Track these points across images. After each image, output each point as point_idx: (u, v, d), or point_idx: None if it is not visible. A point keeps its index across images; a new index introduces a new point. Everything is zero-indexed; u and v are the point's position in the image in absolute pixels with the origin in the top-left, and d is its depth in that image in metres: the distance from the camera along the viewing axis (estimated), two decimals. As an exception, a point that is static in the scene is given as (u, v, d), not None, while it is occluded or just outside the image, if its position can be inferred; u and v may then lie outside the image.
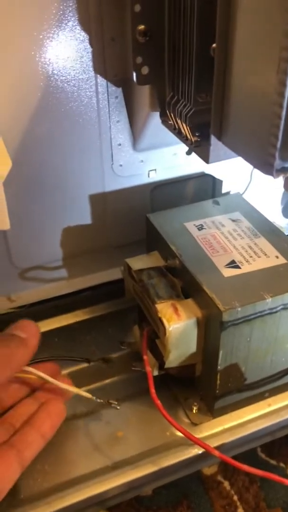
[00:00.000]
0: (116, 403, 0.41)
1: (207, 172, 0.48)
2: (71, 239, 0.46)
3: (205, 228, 0.43)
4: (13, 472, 0.32)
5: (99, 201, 0.45)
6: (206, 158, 0.32)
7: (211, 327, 0.37)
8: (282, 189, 0.54)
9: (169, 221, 0.44)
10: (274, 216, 0.55)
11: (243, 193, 0.51)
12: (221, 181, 0.49)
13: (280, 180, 0.49)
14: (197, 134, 0.32)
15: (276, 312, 0.37)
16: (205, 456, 0.38)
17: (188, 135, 0.33)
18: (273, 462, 0.46)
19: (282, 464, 0.46)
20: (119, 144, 0.42)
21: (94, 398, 0.40)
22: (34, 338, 0.35)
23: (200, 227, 0.43)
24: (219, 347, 0.37)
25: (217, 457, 0.36)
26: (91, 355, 0.46)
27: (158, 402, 0.37)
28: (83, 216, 0.45)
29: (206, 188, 0.50)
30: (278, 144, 0.26)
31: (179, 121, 0.34)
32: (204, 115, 0.31)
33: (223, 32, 0.27)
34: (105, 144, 0.42)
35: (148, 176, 0.45)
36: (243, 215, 0.45)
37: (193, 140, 0.32)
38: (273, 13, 0.23)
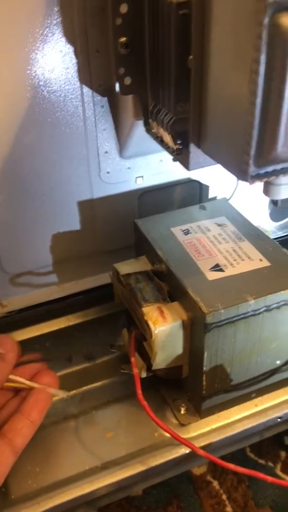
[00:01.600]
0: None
1: (193, 178, 0.49)
2: (61, 244, 0.47)
3: (191, 233, 0.44)
4: (6, 459, 0.34)
5: (87, 207, 0.46)
6: (187, 165, 0.33)
7: (196, 329, 0.38)
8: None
9: (156, 226, 0.45)
10: (262, 220, 0.56)
11: (229, 198, 0.52)
12: (207, 187, 0.50)
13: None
14: (178, 142, 0.33)
15: (259, 314, 0.38)
16: (193, 456, 0.39)
17: (170, 143, 0.34)
18: (261, 461, 0.47)
19: (270, 463, 0.47)
20: (106, 152, 0.43)
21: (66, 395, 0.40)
22: (11, 353, 0.37)
23: (186, 232, 0.44)
24: (204, 348, 0.38)
25: (202, 456, 0.36)
26: (79, 362, 0.48)
27: (145, 403, 0.38)
28: (72, 222, 0.46)
29: (193, 194, 0.51)
30: (252, 152, 0.27)
31: (161, 130, 0.35)
32: (184, 123, 0.32)
33: (198, 45, 0.28)
34: (92, 152, 0.43)
35: (136, 183, 0.47)
36: (228, 219, 0.46)
37: (174, 147, 0.33)
38: (244, 28, 0.24)
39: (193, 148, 0.32)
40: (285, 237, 0.58)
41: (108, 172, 0.45)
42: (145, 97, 0.36)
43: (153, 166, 0.46)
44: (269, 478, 0.35)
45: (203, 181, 0.50)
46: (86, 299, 0.52)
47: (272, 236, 0.57)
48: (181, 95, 0.31)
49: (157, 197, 0.49)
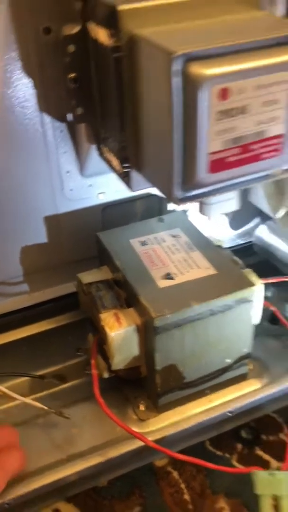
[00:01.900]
0: (68, 415, 0.45)
1: (153, 192, 0.53)
2: (30, 257, 0.51)
3: (147, 244, 0.48)
4: None
5: (53, 222, 0.50)
6: (130, 187, 0.37)
7: (147, 333, 0.42)
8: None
9: (116, 238, 0.49)
10: (222, 228, 0.60)
11: (187, 210, 0.56)
12: (166, 200, 0.54)
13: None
14: (125, 166, 0.37)
15: (204, 318, 0.42)
16: (147, 448, 0.43)
17: (117, 167, 0.38)
18: (219, 453, 0.51)
19: (227, 455, 0.51)
20: (68, 172, 0.47)
21: (46, 408, 0.45)
22: None
23: (144, 243, 0.48)
24: (155, 350, 0.42)
25: (151, 446, 0.40)
26: (52, 364, 0.52)
27: (101, 399, 0.42)
28: (39, 235, 0.50)
29: (153, 207, 0.55)
30: (176, 180, 0.31)
31: (110, 155, 0.39)
32: (128, 150, 0.36)
33: (129, 86, 0.32)
34: (55, 172, 0.47)
35: (98, 198, 0.51)
36: (183, 231, 0.50)
37: (121, 171, 0.37)
38: (161, 74, 0.28)
39: (134, 173, 0.36)
40: (244, 244, 0.62)
41: (71, 190, 0.49)
42: (96, 126, 0.40)
43: (113, 183, 0.50)
44: (209, 465, 0.39)
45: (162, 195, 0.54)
46: (58, 306, 0.56)
47: (231, 244, 0.61)
48: (123, 127, 0.35)
49: (119, 211, 0.53)
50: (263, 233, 0.58)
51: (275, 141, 0.31)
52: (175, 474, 0.49)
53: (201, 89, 0.27)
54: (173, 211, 0.55)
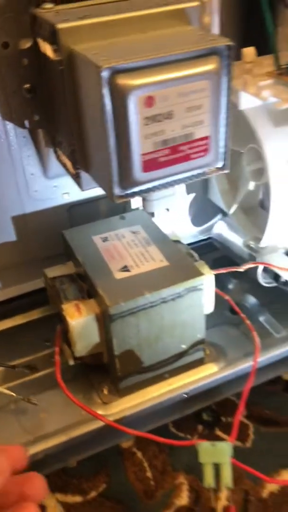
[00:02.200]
0: (36, 401, 0.49)
1: (115, 192, 0.56)
2: (0, 254, 0.54)
3: (108, 240, 0.52)
4: None
5: (20, 221, 0.53)
6: (81, 186, 0.40)
7: (105, 320, 0.46)
8: (189, 202, 0.63)
9: (80, 236, 0.53)
10: (185, 225, 0.64)
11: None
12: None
13: (186, 197, 0.59)
14: (77, 167, 0.41)
15: (156, 305, 0.45)
16: (108, 428, 0.46)
17: (70, 168, 0.42)
18: (181, 434, 0.54)
19: (188, 436, 0.54)
20: (32, 174, 0.51)
21: (15, 395, 0.48)
22: (8, 466, 0.33)
23: (105, 239, 0.52)
24: (112, 336, 0.45)
25: (107, 423, 0.44)
26: (23, 355, 0.55)
27: (62, 383, 0.46)
28: (9, 234, 0.54)
29: (117, 206, 0.58)
30: (115, 179, 0.34)
31: (64, 158, 0.42)
32: (77, 153, 0.40)
33: (71, 95, 0.35)
34: (20, 174, 0.50)
35: (63, 198, 0.54)
36: (142, 227, 0.53)
37: (73, 172, 0.41)
38: (94, 85, 0.32)
39: (83, 174, 0.39)
40: (206, 240, 0.66)
41: (36, 191, 0.52)
42: (51, 131, 0.44)
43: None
44: (160, 439, 0.42)
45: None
46: (29, 302, 0.60)
47: (193, 240, 0.65)
48: (71, 131, 0.39)
49: (85, 210, 0.57)
50: (221, 229, 0.61)
51: (202, 142, 0.35)
52: (139, 454, 0.53)
53: (128, 98, 0.31)
54: (137, 209, 0.59)
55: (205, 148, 0.35)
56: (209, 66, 0.32)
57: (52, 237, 0.55)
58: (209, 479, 0.39)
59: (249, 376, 0.48)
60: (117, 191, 0.35)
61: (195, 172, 0.36)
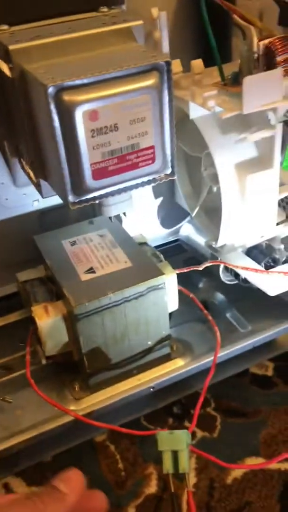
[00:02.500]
0: (11, 400, 0.52)
1: (84, 198, 0.59)
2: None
3: (76, 244, 0.54)
4: None
5: (-7, 228, 0.56)
6: (41, 194, 0.43)
7: (72, 320, 0.48)
8: (157, 206, 0.66)
9: (50, 241, 0.55)
10: (155, 227, 0.67)
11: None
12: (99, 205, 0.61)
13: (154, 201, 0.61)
14: (36, 176, 0.43)
15: (120, 304, 0.48)
16: (77, 422, 0.49)
17: (32, 178, 0.44)
18: (151, 427, 0.57)
19: (159, 428, 0.57)
20: (2, 183, 0.53)
21: None
22: (74, 494, 0.34)
23: (73, 243, 0.55)
24: (79, 334, 0.48)
25: (74, 417, 0.46)
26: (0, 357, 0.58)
27: (32, 381, 0.48)
28: (-17, 241, 0.56)
29: (87, 211, 0.61)
30: (68, 187, 0.37)
31: (27, 167, 0.45)
32: (36, 164, 0.42)
33: (26, 110, 0.38)
34: (-10, 184, 0.53)
35: (33, 205, 0.57)
36: (109, 231, 0.56)
37: (34, 181, 0.44)
38: (42, 101, 0.34)
39: (43, 182, 0.42)
40: (175, 242, 0.68)
41: (6, 199, 0.55)
42: (14, 143, 0.46)
43: (45, 191, 0.56)
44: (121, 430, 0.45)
45: (94, 200, 0.60)
46: (5, 306, 0.62)
47: (163, 241, 0.68)
48: (29, 144, 0.41)
49: (55, 216, 0.59)
50: (187, 231, 0.64)
51: (148, 151, 0.37)
52: (112, 447, 0.55)
53: (73, 112, 0.33)
54: (105, 214, 0.61)
55: (151, 157, 0.38)
56: (149, 81, 0.35)
57: (24, 243, 0.58)
58: (167, 465, 0.41)
59: (211, 368, 0.51)
60: (71, 198, 0.37)
61: (145, 179, 0.39)
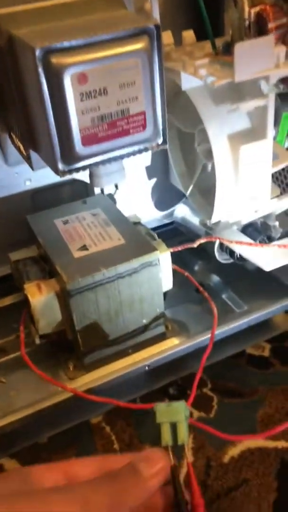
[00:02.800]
0: (4, 380, 0.51)
1: (77, 178, 0.59)
2: None
3: (69, 223, 0.54)
4: None
5: (-14, 208, 0.55)
6: (31, 167, 0.42)
7: (65, 297, 0.48)
8: (150, 188, 0.66)
9: (42, 220, 0.55)
10: (150, 210, 0.66)
11: (114, 193, 0.61)
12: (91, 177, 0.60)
13: (147, 183, 0.61)
14: (26, 149, 0.43)
15: (113, 280, 0.47)
16: (71, 400, 0.48)
17: (22, 151, 0.44)
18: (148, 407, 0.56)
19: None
20: (-6, 162, 0.53)
21: None
22: (157, 480, 0.30)
23: (66, 222, 0.54)
24: (72, 312, 0.47)
25: (69, 391, 0.46)
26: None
27: (26, 357, 0.48)
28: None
29: (80, 191, 0.60)
30: (57, 155, 0.36)
31: (18, 141, 0.45)
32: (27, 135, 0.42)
33: (16, 79, 0.38)
34: (-18, 162, 0.52)
35: (25, 185, 0.56)
36: (102, 210, 0.56)
37: (25, 154, 0.43)
38: (31, 66, 0.34)
39: (34, 155, 0.42)
40: (170, 225, 0.68)
41: (-2, 178, 0.54)
42: (6, 117, 0.46)
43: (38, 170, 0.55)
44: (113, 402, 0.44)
45: (87, 180, 0.60)
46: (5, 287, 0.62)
47: (158, 224, 0.67)
48: (19, 114, 0.41)
49: (48, 196, 0.59)
50: (182, 212, 0.63)
51: (138, 117, 0.37)
52: (108, 428, 0.55)
53: (62, 75, 0.33)
54: (99, 194, 0.61)
55: (142, 123, 0.37)
56: (138, 44, 0.34)
57: (17, 223, 0.57)
58: (166, 438, 0.40)
59: (209, 343, 0.50)
60: (61, 166, 0.37)
61: (136, 148, 0.39)
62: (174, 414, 0.40)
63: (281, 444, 0.51)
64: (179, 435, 0.40)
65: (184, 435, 0.40)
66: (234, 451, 0.51)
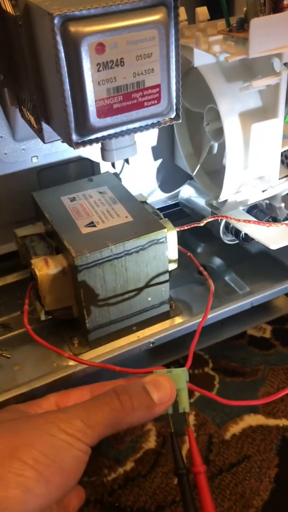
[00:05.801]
0: (9, 355, 0.52)
1: (83, 156, 0.59)
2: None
3: (76, 200, 0.54)
4: None
5: (-8, 184, 0.55)
6: (43, 139, 0.42)
7: (72, 273, 0.48)
8: (156, 169, 0.65)
9: (48, 197, 0.55)
10: (155, 191, 0.66)
11: (120, 173, 0.61)
12: (98, 164, 0.60)
13: (153, 163, 0.61)
14: (38, 121, 0.43)
15: (121, 257, 0.48)
16: (76, 374, 0.49)
17: (33, 124, 0.43)
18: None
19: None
20: (1, 137, 0.53)
21: None
22: (162, 409, 0.32)
23: (73, 199, 0.54)
24: (79, 287, 0.47)
25: (81, 363, 0.46)
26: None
27: (30, 329, 0.48)
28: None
29: (86, 170, 0.60)
30: (72, 125, 0.36)
31: (28, 114, 0.44)
32: (39, 107, 0.42)
33: (31, 50, 0.37)
34: (-12, 137, 0.52)
35: (32, 161, 0.56)
36: (109, 188, 0.56)
37: (36, 127, 0.43)
38: (48, 35, 0.34)
39: (45, 126, 0.41)
40: (175, 206, 0.68)
41: (5, 154, 0.54)
42: (17, 90, 0.45)
43: (44, 147, 0.55)
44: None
45: (93, 158, 0.60)
46: (4, 266, 0.62)
47: (162, 205, 0.67)
48: (32, 86, 0.41)
49: (54, 173, 0.59)
50: (188, 193, 0.64)
51: (154, 90, 0.37)
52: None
53: (80, 44, 0.33)
54: (105, 172, 0.61)
55: (157, 96, 0.37)
56: (157, 15, 0.34)
57: (22, 200, 0.57)
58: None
59: (205, 313, 0.50)
60: (75, 138, 0.37)
61: (149, 121, 0.39)
62: (176, 381, 0.40)
63: (282, 422, 0.52)
64: (180, 403, 0.40)
65: (185, 403, 0.40)
66: (235, 429, 0.52)
